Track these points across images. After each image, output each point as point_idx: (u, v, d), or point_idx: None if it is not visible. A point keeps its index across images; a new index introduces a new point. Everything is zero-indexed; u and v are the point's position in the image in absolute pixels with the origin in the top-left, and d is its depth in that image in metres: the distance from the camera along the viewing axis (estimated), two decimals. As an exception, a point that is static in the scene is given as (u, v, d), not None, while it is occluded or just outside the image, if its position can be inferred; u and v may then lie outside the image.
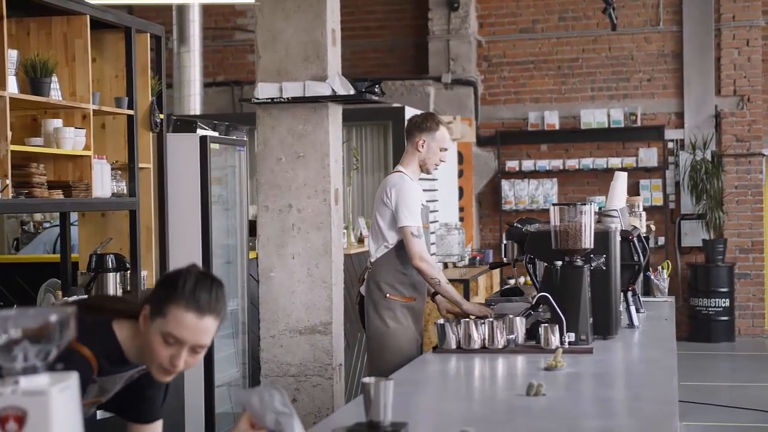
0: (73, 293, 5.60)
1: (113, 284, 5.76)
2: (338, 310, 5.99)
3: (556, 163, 13.29)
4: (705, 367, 11.31)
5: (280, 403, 2.55)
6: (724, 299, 12.66)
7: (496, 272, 11.41)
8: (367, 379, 2.85)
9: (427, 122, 5.45)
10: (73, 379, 1.86)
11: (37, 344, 1.84)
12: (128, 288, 5.93)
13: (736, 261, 12.99)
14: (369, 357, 5.63)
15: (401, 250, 5.35)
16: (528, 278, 5.97)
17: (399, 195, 5.32)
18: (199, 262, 6.54)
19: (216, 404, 6.67)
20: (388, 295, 5.43)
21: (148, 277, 6.17)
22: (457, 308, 5.58)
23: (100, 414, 4.94)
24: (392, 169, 5.76)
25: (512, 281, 10.70)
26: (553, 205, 4.69)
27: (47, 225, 8.48)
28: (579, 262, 4.61)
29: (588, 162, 13.21)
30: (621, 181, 5.91)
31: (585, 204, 4.64)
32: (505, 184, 13.39)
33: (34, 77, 5.14)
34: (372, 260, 5.51)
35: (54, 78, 5.27)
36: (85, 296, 5.30)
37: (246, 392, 2.56)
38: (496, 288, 10.61)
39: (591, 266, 4.67)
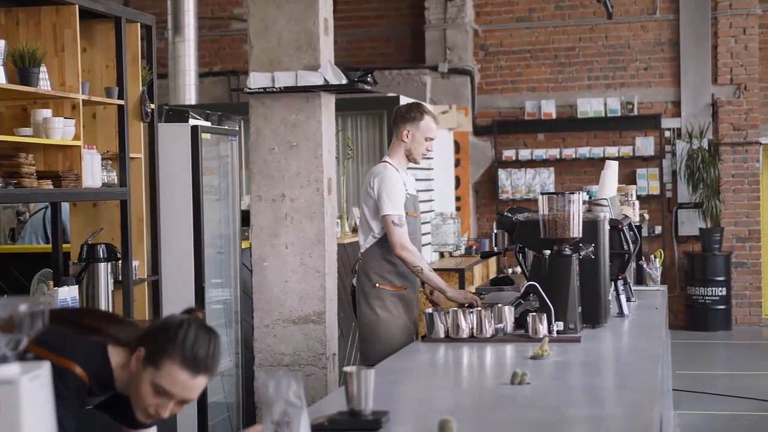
0: (65, 283, 5.59)
1: (104, 274, 5.76)
2: (331, 299, 5.99)
3: (553, 153, 13.28)
4: (701, 355, 11.32)
5: (294, 394, 2.55)
6: (720, 288, 12.67)
7: (493, 261, 11.43)
8: (348, 369, 2.86)
9: (411, 112, 5.46)
10: (44, 368, 1.87)
11: (7, 334, 1.84)
12: (119, 278, 5.93)
13: (733, 250, 12.99)
14: (360, 346, 5.65)
15: (388, 239, 5.36)
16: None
17: (381, 184, 5.34)
18: (191, 252, 6.55)
19: (209, 393, 6.67)
20: (377, 284, 5.45)
21: (140, 267, 6.17)
22: (436, 298, 5.63)
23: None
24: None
25: (509, 270, 10.71)
26: (542, 194, 4.70)
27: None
28: (567, 251, 4.61)
29: (585, 151, 13.20)
30: (612, 170, 5.92)
31: (573, 193, 4.64)
32: (502, 174, 13.39)
33: (22, 67, 5.13)
34: (361, 251, 5.54)
35: (43, 68, 5.27)
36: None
37: (266, 374, 2.57)
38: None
39: (580, 255, 4.67)
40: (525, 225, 4.92)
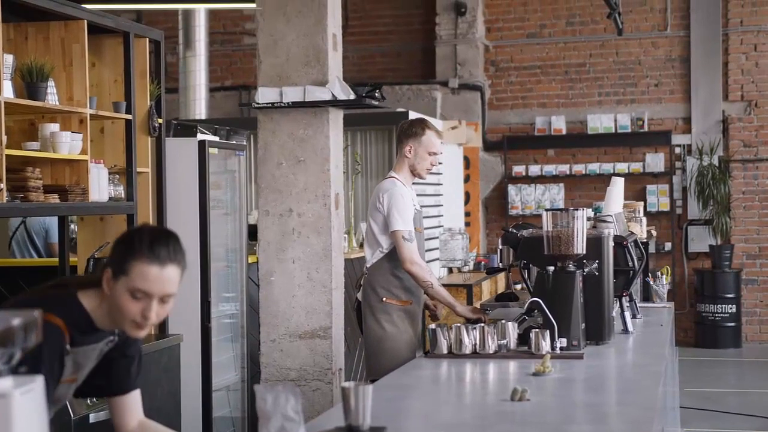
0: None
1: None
2: (338, 314, 5.99)
3: (563, 168, 13.27)
4: (711, 373, 11.27)
5: (292, 408, 2.56)
6: (730, 305, 12.62)
7: (502, 277, 11.41)
8: (346, 384, 2.87)
9: (413, 128, 5.51)
10: (37, 382, 1.87)
11: (0, 348, 1.85)
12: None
13: (743, 267, 12.95)
14: (366, 361, 5.66)
15: (395, 254, 5.39)
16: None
17: (391, 200, 5.37)
18: (198, 266, 6.57)
19: (214, 408, 6.68)
20: (384, 299, 5.48)
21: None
22: (439, 312, 5.66)
23: (93, 417, 4.99)
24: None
25: (519, 286, 10.69)
26: (546, 210, 4.70)
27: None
28: (571, 268, 4.61)
29: (595, 167, 13.19)
30: (618, 186, 5.91)
31: (577, 210, 4.64)
32: (512, 189, 13.39)
33: (30, 82, 5.16)
34: (368, 265, 5.56)
35: (51, 82, 5.30)
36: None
37: (264, 388, 2.58)
38: (502, 293, 10.58)
39: (583, 272, 4.66)
40: (529, 241, 4.91)
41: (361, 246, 8.62)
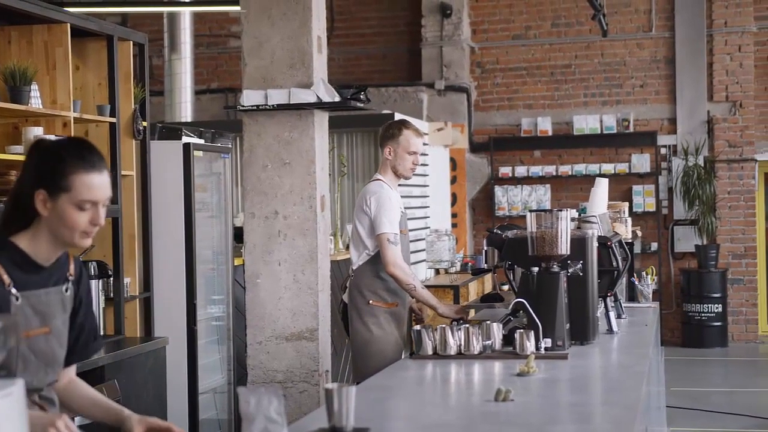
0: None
1: (96, 291, 5.77)
2: (324, 316, 5.99)
3: (549, 169, 13.30)
4: (697, 372, 11.31)
5: (275, 410, 2.56)
6: (717, 305, 12.67)
7: (489, 278, 11.42)
8: (329, 385, 2.87)
9: (390, 129, 5.56)
10: (17, 385, 1.87)
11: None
12: (111, 295, 5.94)
13: (729, 266, 12.99)
14: (353, 363, 5.67)
15: (381, 256, 5.41)
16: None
17: (378, 203, 5.39)
18: (183, 269, 6.57)
19: (200, 411, 6.67)
20: (371, 301, 5.49)
21: (131, 284, 6.18)
22: (425, 315, 5.68)
23: (78, 420, 4.97)
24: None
25: (506, 287, 10.69)
26: (530, 211, 4.71)
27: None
28: (555, 268, 4.62)
29: (581, 168, 13.23)
30: (602, 187, 5.92)
31: (561, 210, 4.65)
32: (498, 191, 13.40)
33: (13, 85, 5.16)
34: (354, 267, 5.57)
35: (34, 86, 5.30)
36: None
37: (247, 390, 2.58)
38: (489, 294, 10.59)
39: (567, 272, 4.67)
40: (513, 242, 4.92)
41: (347, 248, 8.63)
